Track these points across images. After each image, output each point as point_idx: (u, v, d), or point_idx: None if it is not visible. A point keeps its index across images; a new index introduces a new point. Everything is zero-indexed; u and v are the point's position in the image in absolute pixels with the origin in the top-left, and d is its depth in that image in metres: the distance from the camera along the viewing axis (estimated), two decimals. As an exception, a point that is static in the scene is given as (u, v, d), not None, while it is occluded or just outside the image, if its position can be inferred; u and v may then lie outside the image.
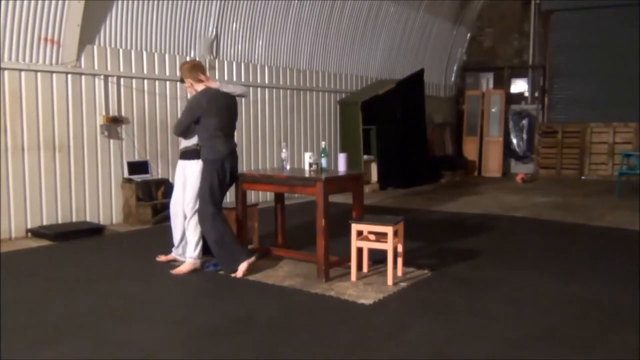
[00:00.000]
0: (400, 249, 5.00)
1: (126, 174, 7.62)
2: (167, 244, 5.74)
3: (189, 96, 5.44)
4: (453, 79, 14.78)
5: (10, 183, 6.60)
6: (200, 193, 5.10)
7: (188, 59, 8.31)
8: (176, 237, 5.37)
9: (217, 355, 3.43)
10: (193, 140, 5.23)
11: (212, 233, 5.05)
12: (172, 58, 8.13)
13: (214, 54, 8.71)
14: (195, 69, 5.21)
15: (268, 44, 9.53)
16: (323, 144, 5.88)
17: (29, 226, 6.78)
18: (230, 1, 8.66)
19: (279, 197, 5.85)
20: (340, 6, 10.50)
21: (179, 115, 5.32)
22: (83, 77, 7.21)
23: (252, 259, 5.13)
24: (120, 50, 7.56)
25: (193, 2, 8.19)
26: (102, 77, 7.38)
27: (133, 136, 7.74)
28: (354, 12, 10.85)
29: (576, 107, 13.42)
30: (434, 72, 13.79)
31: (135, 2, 7.55)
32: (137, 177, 7.61)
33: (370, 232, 4.95)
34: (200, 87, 5.19)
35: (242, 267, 5.05)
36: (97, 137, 7.37)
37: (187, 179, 5.23)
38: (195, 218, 5.17)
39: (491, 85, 14.37)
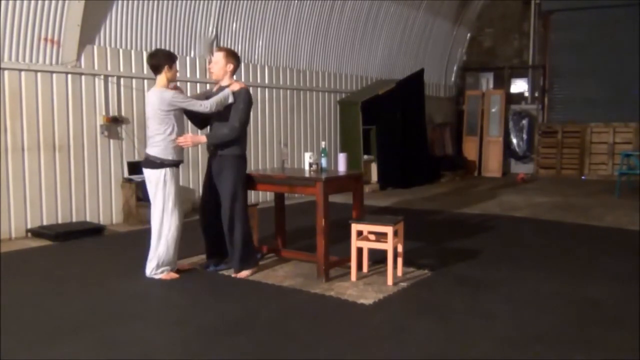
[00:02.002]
0: (400, 249, 5.00)
1: (126, 174, 7.63)
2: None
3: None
4: (453, 79, 14.78)
5: (10, 183, 6.60)
6: (233, 190, 4.97)
7: (188, 59, 8.33)
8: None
9: (217, 355, 3.43)
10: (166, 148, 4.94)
11: (241, 231, 5.00)
12: (172, 58, 8.12)
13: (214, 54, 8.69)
14: (239, 61, 5.12)
15: (268, 44, 9.54)
16: (323, 144, 5.88)
17: (29, 226, 6.78)
18: (230, 1, 8.66)
19: (279, 197, 5.85)
20: (340, 6, 10.50)
21: (235, 110, 4.88)
22: (83, 77, 7.21)
23: (256, 268, 5.18)
24: (120, 50, 7.56)
25: (193, 2, 8.20)
26: (102, 77, 7.38)
27: (133, 136, 7.74)
28: (354, 12, 10.85)
29: (576, 107, 13.42)
30: (434, 72, 13.80)
31: (135, 2, 7.55)
32: (137, 177, 7.61)
33: (370, 232, 4.95)
34: (228, 79, 5.04)
35: (246, 273, 5.07)
36: (97, 137, 7.37)
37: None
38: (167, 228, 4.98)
39: (491, 85, 14.37)
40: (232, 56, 5.06)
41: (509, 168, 14.06)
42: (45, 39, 6.75)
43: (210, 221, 5.19)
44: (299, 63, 10.20)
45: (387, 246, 4.73)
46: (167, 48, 8.08)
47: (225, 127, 4.93)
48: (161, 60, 4.94)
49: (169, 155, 4.93)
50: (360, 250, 5.06)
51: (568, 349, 3.48)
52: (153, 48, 7.92)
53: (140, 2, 7.61)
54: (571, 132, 13.18)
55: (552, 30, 13.69)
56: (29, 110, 6.73)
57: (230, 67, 5.02)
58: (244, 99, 4.97)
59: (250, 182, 5.37)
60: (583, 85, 13.29)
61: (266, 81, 9.59)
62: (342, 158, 5.43)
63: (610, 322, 3.93)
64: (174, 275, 5.02)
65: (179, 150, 4.99)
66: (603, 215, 8.07)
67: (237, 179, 5.01)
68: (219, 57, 5.01)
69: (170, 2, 7.94)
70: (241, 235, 5.01)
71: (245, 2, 8.87)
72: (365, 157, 10.85)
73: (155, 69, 4.95)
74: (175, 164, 4.99)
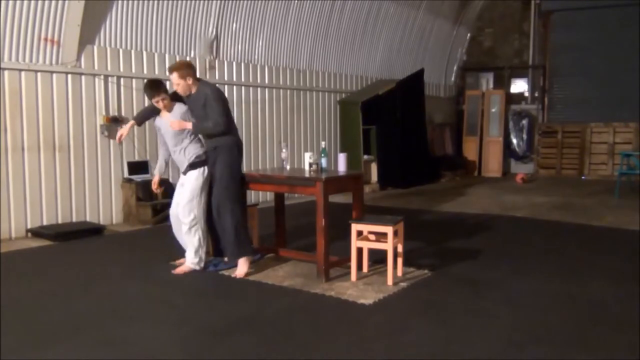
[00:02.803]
0: (400, 249, 5.00)
1: (126, 174, 7.63)
2: (166, 245, 5.75)
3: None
4: (453, 79, 14.78)
5: (10, 183, 6.60)
6: (224, 175, 5.04)
7: (188, 59, 8.31)
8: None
9: (217, 355, 3.43)
10: (195, 151, 5.15)
11: (231, 216, 5.02)
12: (172, 58, 8.13)
13: (214, 54, 8.71)
14: (193, 67, 5.15)
15: (268, 44, 9.53)
16: (323, 144, 5.87)
17: (29, 226, 6.78)
18: (230, 1, 8.66)
19: (279, 197, 5.85)
20: (340, 6, 10.50)
21: (212, 109, 4.96)
22: (83, 77, 7.21)
23: (253, 259, 5.19)
24: (120, 50, 7.56)
25: (193, 2, 8.20)
26: (102, 77, 7.38)
27: (133, 136, 7.73)
28: (354, 12, 10.85)
29: (576, 107, 13.42)
30: (434, 72, 13.80)
31: (135, 2, 7.55)
32: (137, 177, 7.62)
33: (370, 232, 4.95)
34: (195, 88, 5.05)
35: (244, 269, 5.07)
36: (97, 137, 7.37)
37: (185, 186, 5.15)
38: (194, 223, 5.11)
39: (491, 85, 14.36)
40: (185, 69, 5.02)
41: (509, 168, 14.06)
42: (45, 39, 6.75)
43: (210, 221, 5.19)
44: (299, 63, 10.20)
45: (387, 246, 4.73)
46: (167, 48, 8.10)
47: (208, 121, 5.00)
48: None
49: None
50: (360, 250, 5.06)
51: (568, 349, 3.48)
52: (153, 48, 7.93)
53: (140, 2, 7.61)
54: (571, 132, 13.18)
55: (552, 30, 13.69)
56: (29, 110, 6.73)
57: (190, 79, 5.01)
58: (215, 97, 5.01)
59: (250, 182, 5.37)
60: (583, 85, 13.29)
61: (266, 81, 9.59)
62: (342, 158, 5.43)
63: (611, 322, 3.93)
64: (181, 270, 5.17)
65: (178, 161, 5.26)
66: (603, 215, 8.07)
67: (229, 164, 5.06)
68: (175, 79, 4.99)
69: (170, 2, 7.94)
70: (232, 222, 5.02)
71: (245, 2, 8.87)
72: (365, 157, 10.85)
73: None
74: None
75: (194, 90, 5.05)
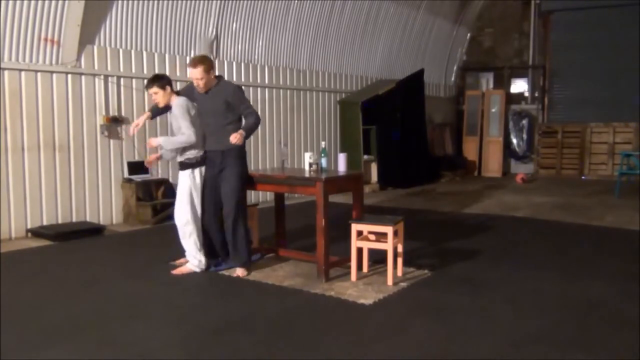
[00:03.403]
0: (400, 249, 5.00)
1: (126, 174, 7.63)
2: (166, 245, 5.75)
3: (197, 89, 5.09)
4: (453, 79, 14.78)
5: (10, 183, 6.60)
6: (238, 187, 5.03)
7: (188, 59, 8.30)
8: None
9: (217, 355, 3.43)
10: (189, 153, 5.09)
11: (243, 228, 5.07)
12: (172, 58, 8.13)
13: (214, 54, 8.70)
14: (211, 62, 5.06)
15: (268, 44, 9.53)
16: (323, 144, 5.87)
17: (29, 226, 6.78)
18: (230, 1, 8.66)
19: (279, 197, 5.85)
20: (340, 6, 10.50)
21: (243, 104, 4.98)
22: (83, 77, 7.21)
23: (253, 259, 5.26)
24: (120, 50, 7.56)
25: (193, 2, 8.20)
26: (102, 77, 7.38)
27: (133, 136, 7.73)
28: (354, 12, 10.85)
29: (576, 107, 13.42)
30: (434, 72, 13.80)
31: (135, 2, 7.55)
32: (137, 177, 7.62)
33: (370, 232, 4.95)
34: (214, 80, 5.00)
35: (245, 270, 5.10)
36: (97, 137, 7.37)
37: (177, 189, 5.15)
38: (187, 227, 5.08)
39: (491, 85, 14.36)
40: (208, 62, 4.93)
41: (509, 168, 14.06)
42: (45, 39, 6.75)
43: (210, 221, 5.18)
44: (299, 63, 10.19)
45: (387, 246, 4.73)
46: (167, 48, 8.10)
47: (248, 119, 4.95)
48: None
49: None
50: (360, 250, 5.06)
51: (568, 349, 3.48)
52: (153, 48, 7.93)
53: (140, 2, 7.61)
54: (571, 132, 13.18)
55: (552, 30, 13.69)
56: (29, 110, 6.73)
57: (213, 73, 4.97)
58: (240, 91, 5.07)
59: (250, 182, 5.36)
60: (583, 85, 13.28)
61: (266, 81, 9.59)
62: (342, 158, 5.44)
63: (610, 322, 3.93)
64: (180, 271, 5.16)
65: None
66: (603, 215, 8.07)
67: (239, 171, 5.06)
68: (200, 73, 4.84)
69: (170, 2, 7.94)
70: (244, 232, 5.07)
71: (245, 2, 8.87)
72: (365, 157, 10.85)
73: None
74: None
75: (213, 85, 5.01)
